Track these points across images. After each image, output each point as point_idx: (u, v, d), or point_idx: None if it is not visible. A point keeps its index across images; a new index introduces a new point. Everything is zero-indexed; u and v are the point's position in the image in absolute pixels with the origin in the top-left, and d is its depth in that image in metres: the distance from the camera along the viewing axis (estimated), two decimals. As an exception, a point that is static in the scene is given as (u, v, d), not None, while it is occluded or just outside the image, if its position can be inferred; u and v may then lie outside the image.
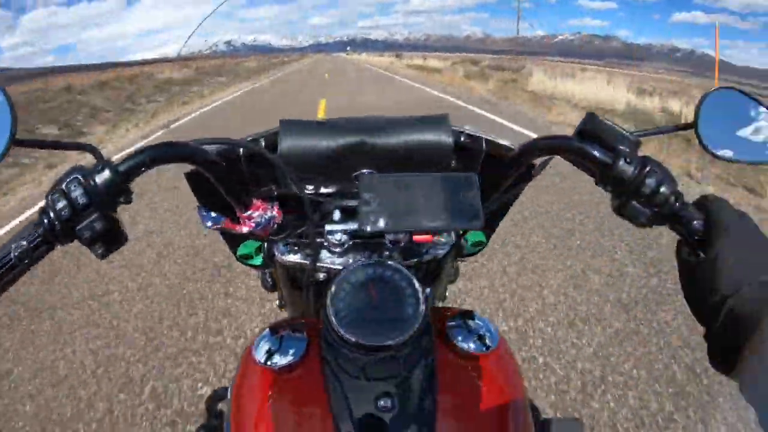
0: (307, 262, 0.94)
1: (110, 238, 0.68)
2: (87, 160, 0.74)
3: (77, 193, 0.64)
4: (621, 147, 0.70)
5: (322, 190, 0.98)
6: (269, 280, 1.28)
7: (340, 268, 0.87)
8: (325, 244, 0.93)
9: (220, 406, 1.05)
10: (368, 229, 0.71)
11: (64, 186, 0.64)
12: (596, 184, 0.73)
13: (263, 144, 0.96)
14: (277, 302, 1.37)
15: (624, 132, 0.72)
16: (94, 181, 0.65)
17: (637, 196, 0.69)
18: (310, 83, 24.78)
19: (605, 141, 0.72)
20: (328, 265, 0.93)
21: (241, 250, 1.14)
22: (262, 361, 0.77)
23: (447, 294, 1.26)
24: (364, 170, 0.94)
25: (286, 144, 0.92)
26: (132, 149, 0.70)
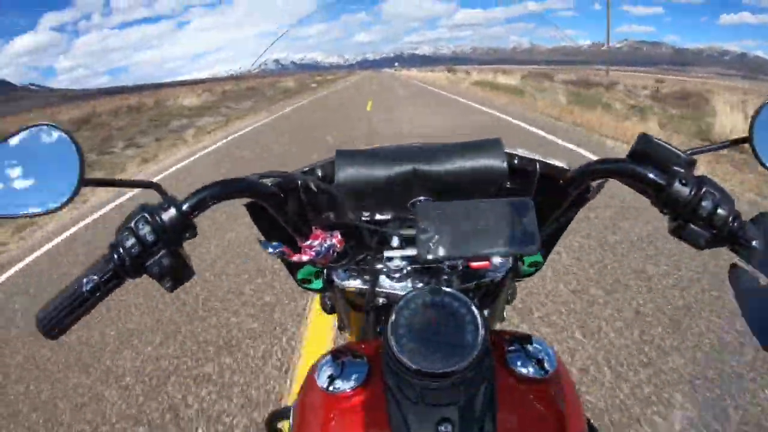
0: (367, 287, 0.96)
1: (178, 273, 0.72)
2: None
3: (145, 231, 0.69)
4: (676, 168, 0.71)
5: (379, 217, 1.00)
6: (328, 303, 1.25)
7: (399, 293, 0.92)
8: (384, 270, 0.94)
9: (280, 425, 1.08)
10: (427, 257, 0.74)
11: (132, 224, 0.69)
12: (652, 204, 0.75)
13: (320, 174, 0.99)
14: (337, 324, 1.31)
15: (678, 152, 0.73)
16: (161, 218, 0.69)
17: (694, 218, 0.70)
18: (347, 113, 18.08)
19: (660, 162, 0.73)
20: (387, 290, 0.95)
21: (301, 274, 1.14)
22: (324, 386, 0.77)
23: (505, 315, 1.24)
24: (420, 197, 0.96)
25: (343, 174, 0.95)
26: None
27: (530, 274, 1.19)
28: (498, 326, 1.19)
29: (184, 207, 0.71)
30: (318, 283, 1.15)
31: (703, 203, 0.69)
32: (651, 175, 0.72)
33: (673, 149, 0.73)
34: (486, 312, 1.05)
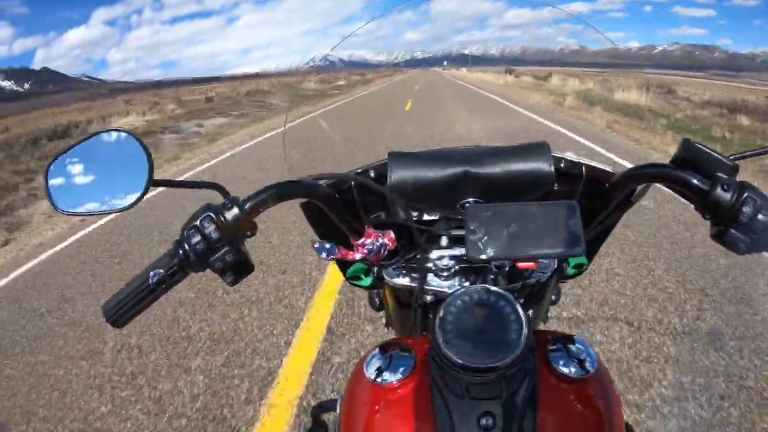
0: (415, 285, 1.00)
1: (239, 268, 0.76)
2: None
3: (210, 229, 0.72)
4: (718, 173, 0.72)
5: (428, 217, 1.04)
6: (377, 300, 1.30)
7: (447, 291, 0.95)
8: (433, 268, 0.98)
9: (325, 417, 1.13)
10: (476, 257, 0.77)
11: (198, 222, 0.72)
12: (695, 210, 0.76)
13: (372, 175, 1.03)
14: (384, 321, 1.41)
15: (721, 157, 0.74)
16: (225, 218, 0.73)
17: (735, 224, 0.71)
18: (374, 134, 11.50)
19: (703, 167, 0.74)
20: (435, 288, 0.98)
21: (350, 271, 1.16)
22: (372, 378, 0.80)
23: (549, 315, 1.28)
24: (470, 199, 0.99)
25: (396, 175, 0.99)
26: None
27: (575, 276, 1.20)
28: (541, 326, 1.22)
29: (246, 207, 0.74)
30: (367, 281, 1.16)
31: (744, 209, 0.70)
32: (694, 181, 0.73)
33: (716, 155, 0.74)
34: (530, 312, 1.07)
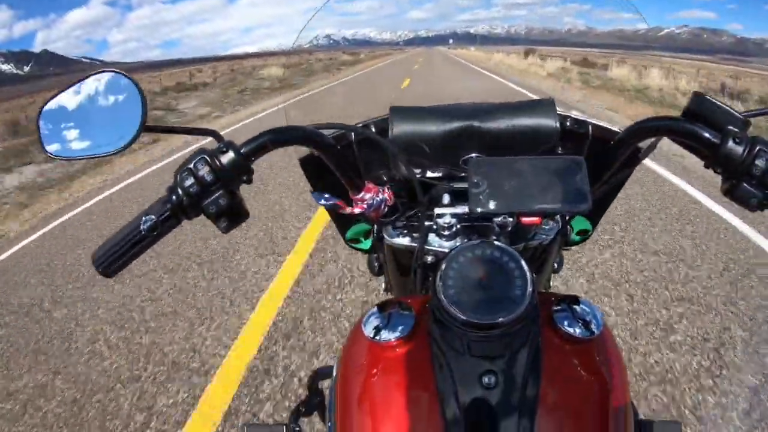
0: (416, 245, 0.98)
1: (233, 214, 0.74)
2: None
3: (204, 171, 0.70)
4: (729, 127, 0.70)
5: (430, 174, 1.02)
6: (376, 264, 1.27)
7: (448, 251, 0.86)
8: (434, 227, 0.96)
9: (321, 384, 1.10)
10: (478, 210, 0.75)
11: (192, 165, 0.71)
12: (705, 166, 0.74)
13: (373, 129, 1.03)
14: (384, 286, 1.39)
15: (733, 111, 0.73)
16: (219, 161, 0.71)
17: (748, 178, 0.69)
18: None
19: (713, 121, 0.72)
20: (436, 248, 0.96)
21: (350, 234, 1.16)
22: (371, 335, 0.78)
23: (551, 284, 1.29)
24: (472, 154, 0.97)
25: (397, 129, 0.97)
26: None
27: (578, 242, 1.19)
28: None
29: (243, 150, 0.73)
30: (366, 243, 1.16)
31: (757, 162, 0.68)
32: (704, 133, 0.71)
33: (728, 108, 0.73)
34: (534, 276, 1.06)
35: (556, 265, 1.21)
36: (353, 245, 1.19)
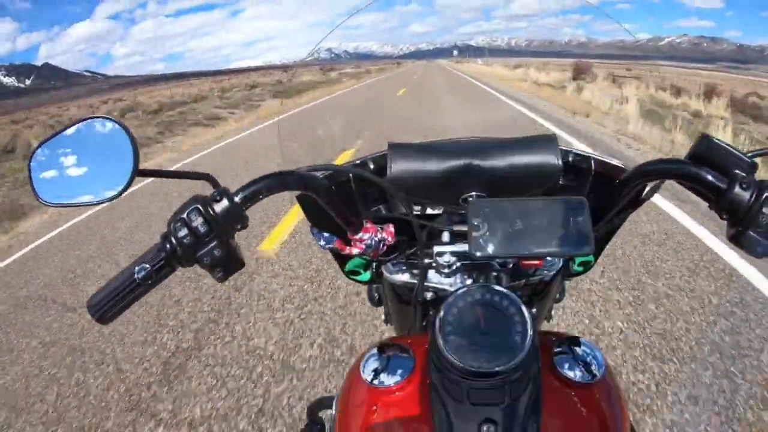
0: (415, 282, 0.97)
1: (229, 263, 0.73)
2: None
3: (198, 222, 0.69)
4: (736, 171, 0.69)
5: (430, 211, 1.02)
6: (375, 295, 1.26)
7: (448, 288, 0.94)
8: (434, 264, 0.94)
9: (322, 414, 1.08)
10: (478, 254, 0.74)
11: (185, 215, 0.69)
12: (710, 209, 0.73)
13: (372, 166, 1.02)
14: (383, 317, 1.34)
15: (740, 153, 0.70)
16: (213, 210, 0.70)
17: (754, 225, 0.68)
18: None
19: (720, 164, 0.70)
20: (436, 285, 0.96)
21: (349, 266, 1.13)
22: (369, 379, 0.78)
23: (553, 313, 1.23)
24: (472, 192, 0.97)
25: (396, 167, 0.96)
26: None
27: (580, 273, 1.17)
28: (545, 324, 1.19)
29: (236, 199, 0.71)
30: (366, 275, 1.14)
31: (765, 210, 0.67)
32: (710, 178, 0.70)
33: (735, 151, 0.70)
34: (534, 310, 1.03)
35: (557, 295, 1.19)
36: (353, 277, 1.17)
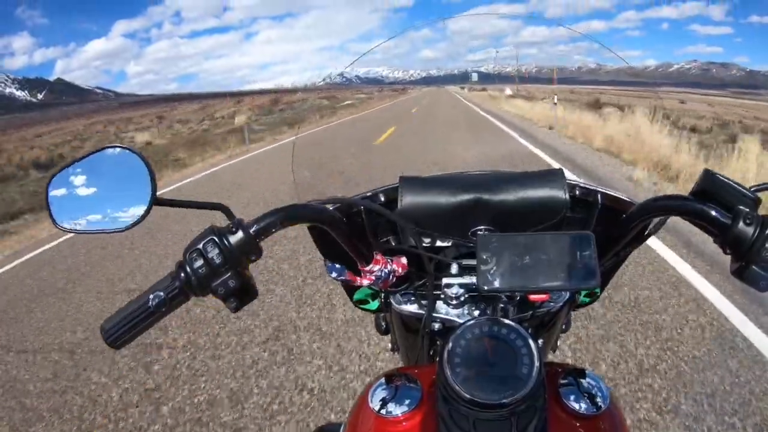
0: (423, 312, 0.97)
1: (242, 294, 0.74)
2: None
3: (213, 253, 0.70)
4: (740, 207, 0.70)
5: (439, 243, 1.02)
6: (383, 324, 1.27)
7: (455, 319, 0.95)
8: (442, 296, 0.95)
9: None
10: (486, 288, 0.76)
11: (201, 246, 0.71)
12: (715, 243, 0.74)
13: (382, 199, 1.04)
14: (390, 345, 1.35)
15: (743, 190, 0.71)
16: (229, 241, 0.71)
17: (758, 260, 0.69)
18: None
19: (724, 199, 0.72)
20: (444, 316, 0.97)
21: (357, 295, 1.15)
22: (377, 409, 0.79)
23: (559, 343, 1.24)
24: (481, 226, 0.98)
25: (407, 200, 0.97)
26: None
27: (586, 304, 1.18)
28: (551, 355, 1.19)
29: (252, 231, 0.73)
30: (374, 304, 1.15)
31: None
32: (714, 214, 0.71)
33: (738, 187, 0.71)
34: (540, 341, 1.04)
35: (564, 326, 1.20)
36: (361, 306, 1.18)
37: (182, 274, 0.71)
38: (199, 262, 0.70)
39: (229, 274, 0.71)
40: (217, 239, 0.71)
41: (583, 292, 1.14)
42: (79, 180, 0.78)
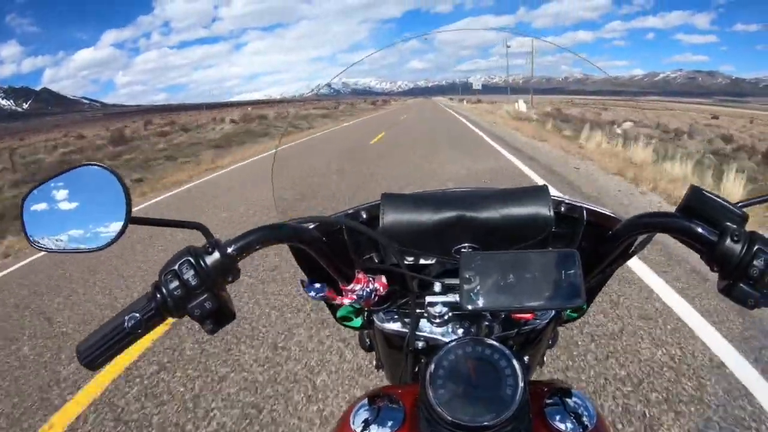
0: (406, 330, 0.96)
1: (219, 315, 0.73)
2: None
3: (189, 275, 0.69)
4: (727, 223, 0.70)
5: (422, 261, 1.00)
6: (367, 341, 1.26)
7: (439, 337, 0.93)
8: (425, 314, 0.93)
9: None
10: (469, 307, 0.75)
11: (176, 267, 0.69)
12: (702, 260, 0.73)
13: (364, 216, 1.04)
14: (375, 363, 1.33)
15: (730, 206, 0.71)
16: (205, 262, 0.70)
17: (745, 278, 0.68)
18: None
19: (711, 216, 0.71)
20: (427, 335, 0.95)
21: (341, 312, 1.13)
22: (359, 430, 0.77)
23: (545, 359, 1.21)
24: (465, 244, 0.97)
25: (389, 218, 0.96)
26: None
27: (573, 319, 1.18)
28: (537, 371, 1.18)
29: (229, 251, 0.72)
30: (357, 322, 1.14)
31: (755, 262, 0.67)
32: (701, 231, 0.71)
33: (725, 203, 0.71)
34: (526, 358, 1.03)
35: (550, 341, 1.19)
36: (344, 323, 1.16)
37: (158, 296, 0.70)
38: (175, 284, 0.69)
39: (206, 296, 0.70)
40: (192, 260, 0.69)
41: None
42: (54, 197, 0.77)
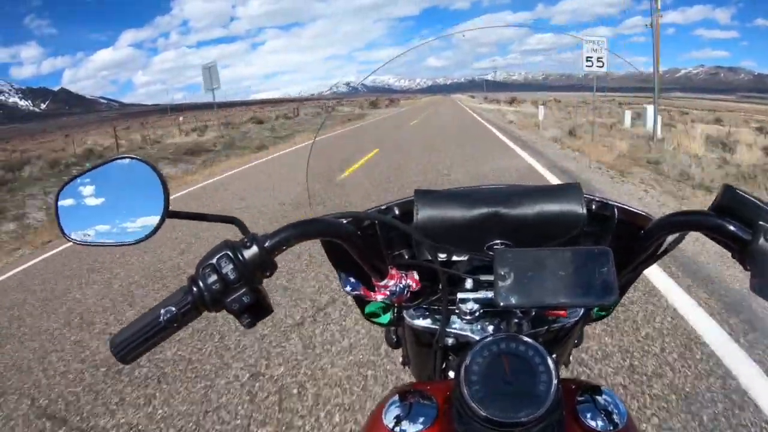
0: (436, 327, 0.95)
1: (257, 310, 0.72)
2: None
3: (227, 269, 0.69)
4: (761, 222, 0.69)
5: (454, 258, 1.00)
6: (394, 337, 1.24)
7: (470, 334, 0.92)
8: (456, 311, 0.93)
9: None
10: (503, 304, 0.75)
11: (215, 261, 0.69)
12: (733, 258, 0.73)
13: (397, 212, 1.02)
14: (401, 359, 1.29)
15: (763, 204, 0.70)
16: (243, 256, 0.70)
17: None
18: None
19: (744, 215, 0.71)
20: (457, 332, 0.94)
21: (369, 308, 1.13)
22: (391, 426, 0.77)
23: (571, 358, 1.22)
24: (497, 240, 0.95)
25: (423, 214, 0.94)
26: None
27: (601, 318, 1.18)
28: (563, 370, 1.16)
29: (266, 245, 0.71)
30: (385, 318, 1.13)
31: None
32: (734, 229, 0.70)
33: (759, 203, 0.70)
34: (554, 356, 0.97)
35: (576, 340, 1.16)
36: (372, 320, 1.14)
37: (195, 290, 0.68)
38: (213, 278, 0.68)
39: (244, 290, 0.69)
40: (231, 254, 0.69)
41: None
42: (88, 191, 0.76)
